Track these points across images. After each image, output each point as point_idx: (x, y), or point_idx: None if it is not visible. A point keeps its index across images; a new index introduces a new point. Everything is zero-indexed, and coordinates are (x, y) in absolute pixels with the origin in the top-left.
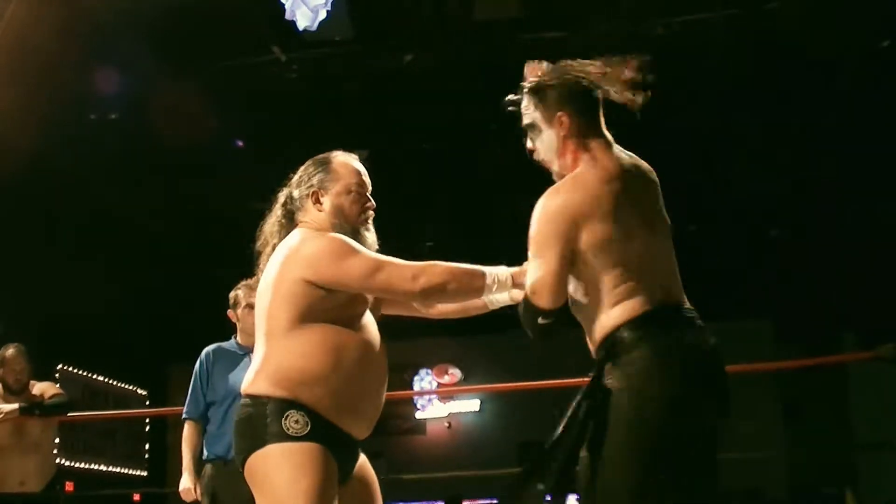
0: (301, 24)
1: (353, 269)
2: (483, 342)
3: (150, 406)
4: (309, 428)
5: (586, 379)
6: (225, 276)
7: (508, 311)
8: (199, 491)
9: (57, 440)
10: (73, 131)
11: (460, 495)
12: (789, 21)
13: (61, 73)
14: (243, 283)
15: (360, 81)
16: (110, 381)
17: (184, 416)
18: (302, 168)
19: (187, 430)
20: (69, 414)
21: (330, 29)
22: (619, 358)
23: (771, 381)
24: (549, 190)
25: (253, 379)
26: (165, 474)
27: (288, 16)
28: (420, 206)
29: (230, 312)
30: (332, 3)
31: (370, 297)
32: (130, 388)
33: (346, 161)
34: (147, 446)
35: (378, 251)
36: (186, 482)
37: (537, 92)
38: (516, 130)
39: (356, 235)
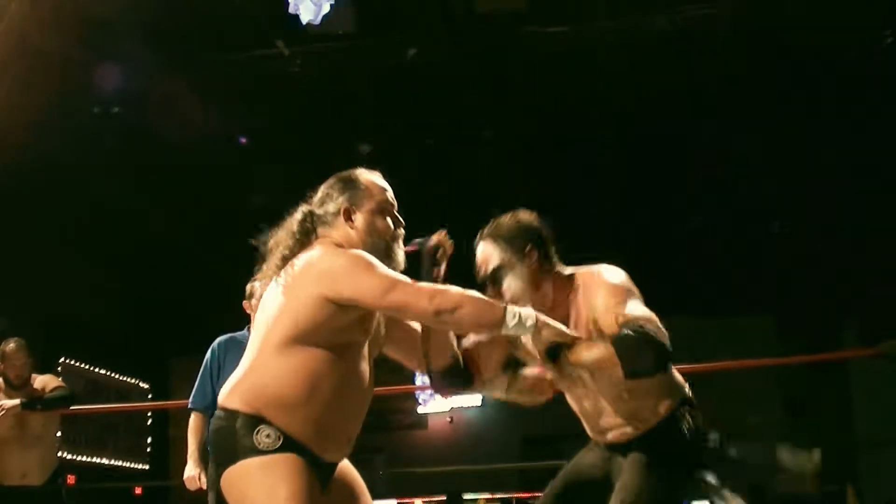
0: (304, 18)
1: (370, 285)
2: None
3: (151, 400)
4: (281, 442)
5: None
6: (226, 270)
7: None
8: (203, 480)
9: (59, 433)
10: (75, 126)
11: (462, 490)
12: (793, 16)
13: (63, 68)
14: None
15: (362, 75)
16: (112, 375)
17: (190, 405)
18: (325, 186)
19: (193, 421)
20: (71, 407)
21: (333, 23)
22: None
23: (772, 377)
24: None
25: (229, 392)
26: (167, 468)
27: (291, 10)
28: (422, 200)
29: (245, 303)
30: None
31: (371, 330)
32: (132, 381)
33: (374, 179)
34: (149, 440)
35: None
36: (191, 470)
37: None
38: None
39: (389, 253)
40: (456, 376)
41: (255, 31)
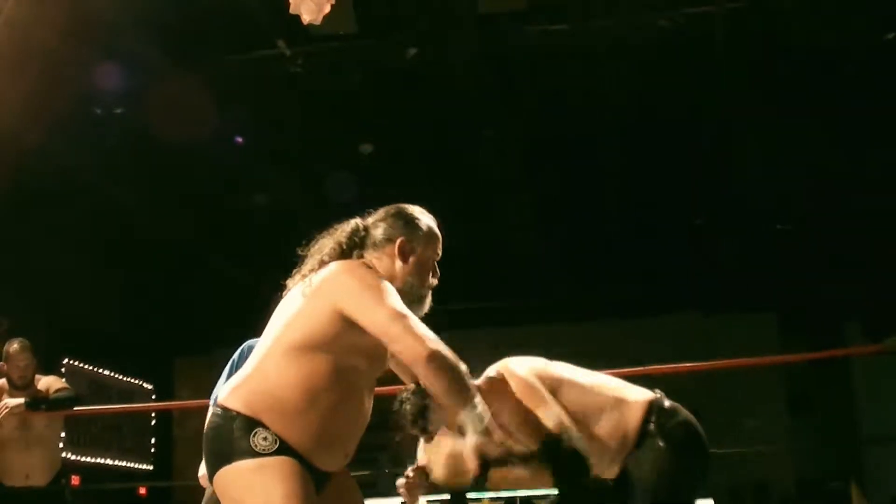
0: (306, 19)
1: (379, 309)
2: (487, 335)
3: (155, 400)
4: (277, 446)
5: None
6: (230, 270)
7: (512, 306)
8: None
9: (63, 434)
10: (77, 127)
11: (466, 489)
12: (792, 14)
13: (65, 68)
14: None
15: (364, 75)
16: (116, 376)
17: (213, 397)
18: (388, 211)
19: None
20: (75, 408)
21: (334, 23)
22: None
23: (776, 374)
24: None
25: (230, 392)
26: (171, 468)
27: (292, 10)
28: (424, 201)
29: None
30: None
31: (380, 357)
32: (136, 382)
33: (435, 228)
34: (153, 440)
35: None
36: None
37: None
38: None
39: (421, 301)
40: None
41: (256, 32)
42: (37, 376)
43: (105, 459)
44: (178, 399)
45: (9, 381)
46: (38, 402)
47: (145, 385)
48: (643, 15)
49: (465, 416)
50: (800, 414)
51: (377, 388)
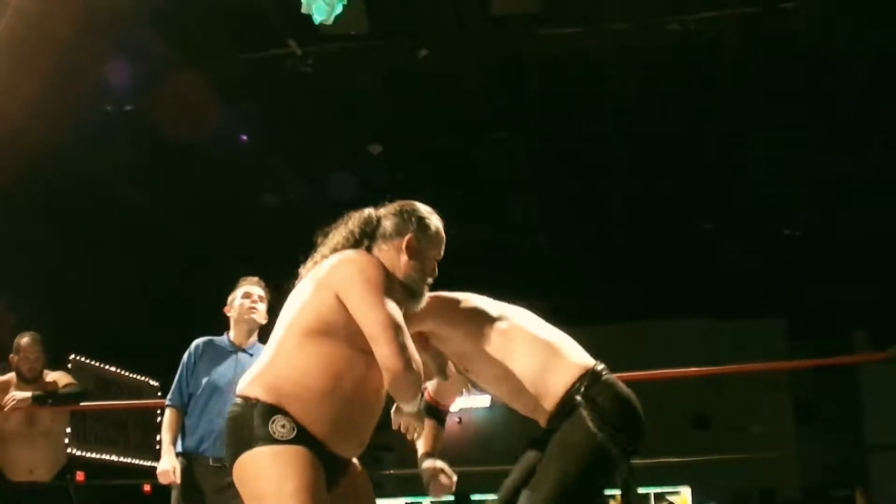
0: (317, 18)
1: (374, 311)
2: None
3: (161, 397)
4: (295, 433)
5: None
6: (237, 266)
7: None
8: (177, 475)
9: (68, 430)
10: (87, 124)
11: (470, 490)
12: (805, 19)
13: (77, 65)
14: (248, 280)
15: (375, 76)
16: (122, 372)
17: (167, 402)
18: (401, 206)
19: (168, 416)
20: (81, 404)
21: (346, 23)
22: None
23: (782, 380)
24: None
25: (249, 382)
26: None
27: (304, 10)
28: (433, 201)
29: (226, 309)
30: None
31: None
32: (142, 378)
33: (441, 229)
34: (158, 437)
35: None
36: (165, 464)
37: None
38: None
39: (416, 297)
40: None
41: (268, 31)
42: (45, 371)
43: (110, 456)
44: None
45: (18, 374)
46: (45, 396)
47: (151, 382)
48: (654, 19)
49: (405, 408)
50: (806, 420)
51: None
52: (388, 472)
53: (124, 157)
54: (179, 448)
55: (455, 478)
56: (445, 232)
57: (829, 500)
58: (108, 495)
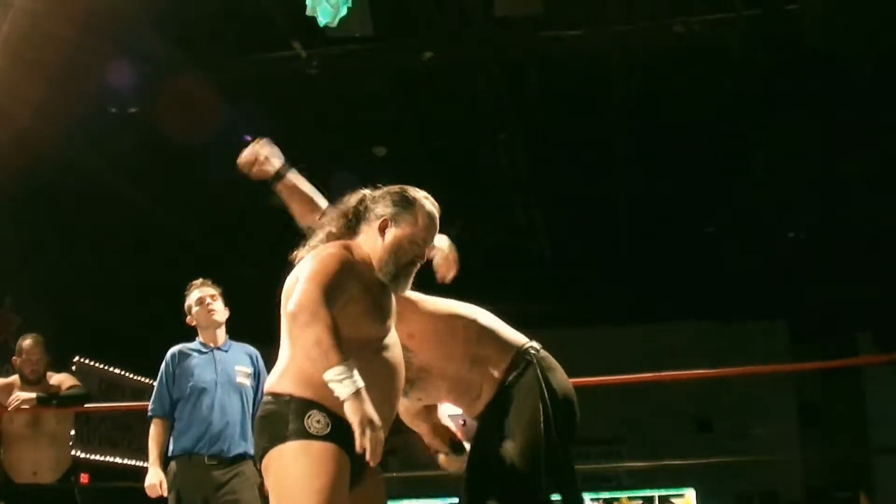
0: (322, 21)
1: (303, 290)
2: None
3: None
4: (330, 429)
5: (603, 377)
6: (241, 270)
7: (522, 310)
8: (164, 488)
9: (72, 432)
10: (91, 126)
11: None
12: (810, 21)
13: (81, 67)
14: (195, 285)
15: (379, 78)
16: (127, 374)
17: (149, 413)
18: (388, 189)
19: (154, 428)
20: (85, 406)
21: (350, 25)
22: None
23: (786, 383)
24: None
25: (277, 378)
26: None
27: (309, 12)
28: (437, 201)
29: (188, 319)
30: (353, 0)
31: (385, 321)
32: (147, 380)
33: (427, 212)
34: None
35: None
36: (152, 478)
37: None
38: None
39: (394, 279)
40: None
41: (273, 34)
42: (49, 373)
43: (115, 458)
44: None
45: (21, 375)
46: (50, 397)
47: (155, 384)
48: (658, 21)
49: (329, 381)
50: (810, 423)
51: None
52: (392, 474)
53: (130, 160)
54: (175, 450)
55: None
56: (444, 222)
57: (833, 503)
58: (112, 497)
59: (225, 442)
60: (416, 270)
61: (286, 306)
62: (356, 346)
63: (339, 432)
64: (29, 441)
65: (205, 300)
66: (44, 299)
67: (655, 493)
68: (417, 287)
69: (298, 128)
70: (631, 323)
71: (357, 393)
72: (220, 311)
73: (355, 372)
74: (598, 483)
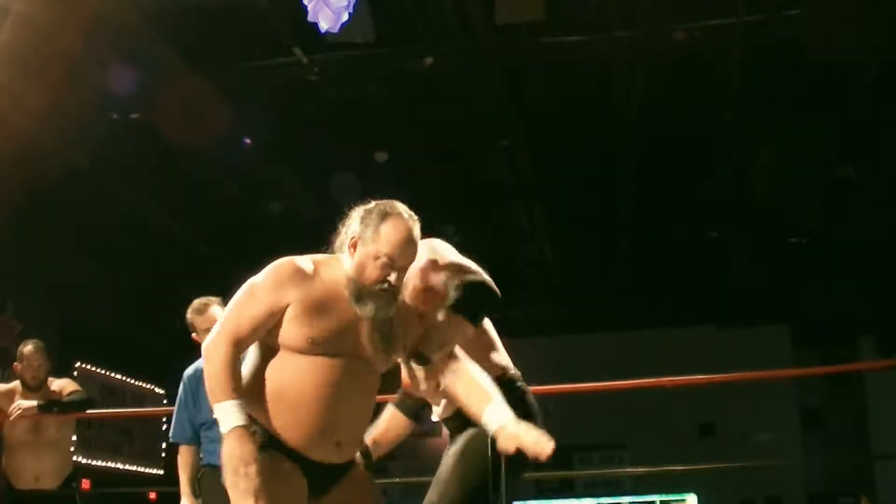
0: (323, 27)
1: (232, 305)
2: None
3: (167, 404)
4: (263, 440)
5: (605, 383)
6: (243, 275)
7: (524, 316)
8: None
9: (74, 438)
10: (93, 133)
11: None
12: (810, 27)
13: (82, 74)
14: (197, 303)
15: (381, 84)
16: (128, 380)
17: (172, 440)
18: (366, 208)
19: (182, 455)
20: (87, 411)
21: (352, 31)
22: None
23: (789, 388)
24: None
25: None
26: None
27: (310, 18)
28: (438, 209)
29: (194, 336)
30: (354, 6)
31: (337, 341)
32: (148, 386)
33: (394, 229)
34: (164, 445)
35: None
36: None
37: None
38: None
39: (359, 299)
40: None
41: (274, 39)
42: (50, 379)
43: (116, 463)
44: None
45: (22, 382)
46: (51, 404)
47: (157, 389)
48: (659, 27)
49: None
50: (812, 428)
51: (391, 397)
52: (394, 480)
53: (132, 165)
54: (209, 461)
55: None
56: (443, 226)
57: None
58: (113, 503)
59: None
60: (392, 293)
61: None
62: (283, 352)
63: (274, 445)
64: (30, 447)
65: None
66: (45, 305)
67: (658, 498)
68: None
69: (300, 133)
70: (633, 328)
71: (232, 431)
72: None
73: (237, 410)
74: (601, 488)
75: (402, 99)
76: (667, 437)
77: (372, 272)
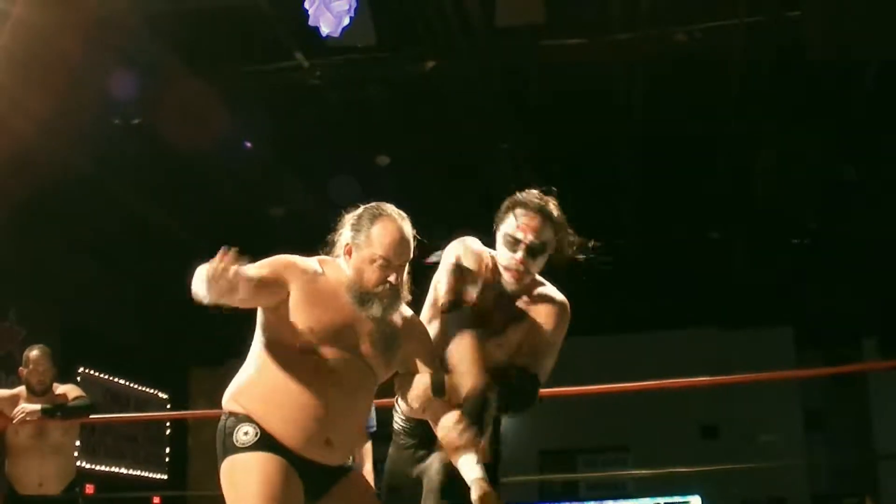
0: (324, 31)
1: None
2: None
3: (170, 409)
4: (257, 439)
5: (608, 385)
6: None
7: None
8: None
9: (77, 443)
10: (94, 137)
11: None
12: (811, 28)
13: (83, 79)
14: None
15: (382, 87)
16: (131, 385)
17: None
18: (357, 212)
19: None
20: (90, 417)
21: (353, 35)
22: None
23: (792, 389)
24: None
25: (225, 396)
26: (186, 477)
27: (311, 22)
28: (439, 212)
29: None
30: (355, 10)
31: (332, 338)
32: (151, 391)
33: (385, 231)
34: (167, 449)
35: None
36: None
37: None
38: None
39: (362, 302)
40: None
41: (275, 43)
42: (55, 384)
43: (119, 468)
44: (193, 408)
45: (28, 386)
46: (55, 409)
47: (160, 394)
48: (660, 29)
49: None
50: (815, 429)
51: (392, 400)
52: None
53: (133, 170)
54: None
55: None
56: (444, 230)
57: None
58: None
59: None
60: (395, 290)
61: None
62: (280, 346)
63: (267, 443)
64: (34, 452)
65: None
66: (48, 310)
67: (661, 500)
68: None
69: (301, 137)
70: (635, 330)
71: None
72: None
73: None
74: (605, 490)
75: (403, 102)
76: (670, 439)
77: (371, 275)
